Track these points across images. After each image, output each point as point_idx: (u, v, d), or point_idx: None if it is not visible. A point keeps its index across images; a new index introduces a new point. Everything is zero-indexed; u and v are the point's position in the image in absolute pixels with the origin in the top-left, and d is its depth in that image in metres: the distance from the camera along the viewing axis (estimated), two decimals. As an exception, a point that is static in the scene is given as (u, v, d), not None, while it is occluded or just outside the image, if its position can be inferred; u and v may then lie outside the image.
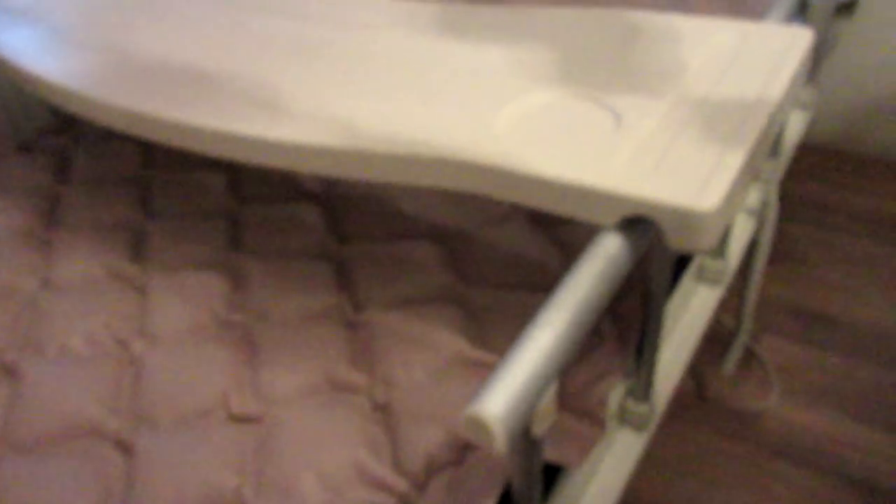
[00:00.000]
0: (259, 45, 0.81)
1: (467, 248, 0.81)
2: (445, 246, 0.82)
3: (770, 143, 0.60)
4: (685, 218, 0.49)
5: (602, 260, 0.51)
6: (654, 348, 0.70)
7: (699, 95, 0.61)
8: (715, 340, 1.40)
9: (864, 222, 1.65)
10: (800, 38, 0.67)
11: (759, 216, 1.04)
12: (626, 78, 0.64)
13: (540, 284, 0.76)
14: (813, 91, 1.26)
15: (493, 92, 0.64)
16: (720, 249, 0.92)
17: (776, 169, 1.08)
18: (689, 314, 0.90)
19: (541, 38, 0.72)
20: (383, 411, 0.66)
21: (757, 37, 0.68)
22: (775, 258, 1.57)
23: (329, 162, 0.61)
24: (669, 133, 0.56)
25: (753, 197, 1.04)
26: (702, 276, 0.93)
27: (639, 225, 0.52)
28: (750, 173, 0.57)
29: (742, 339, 1.33)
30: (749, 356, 1.38)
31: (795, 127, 1.21)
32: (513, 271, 0.78)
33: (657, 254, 0.57)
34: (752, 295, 1.11)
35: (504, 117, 0.61)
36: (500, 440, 0.41)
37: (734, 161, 0.52)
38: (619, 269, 0.51)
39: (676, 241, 0.51)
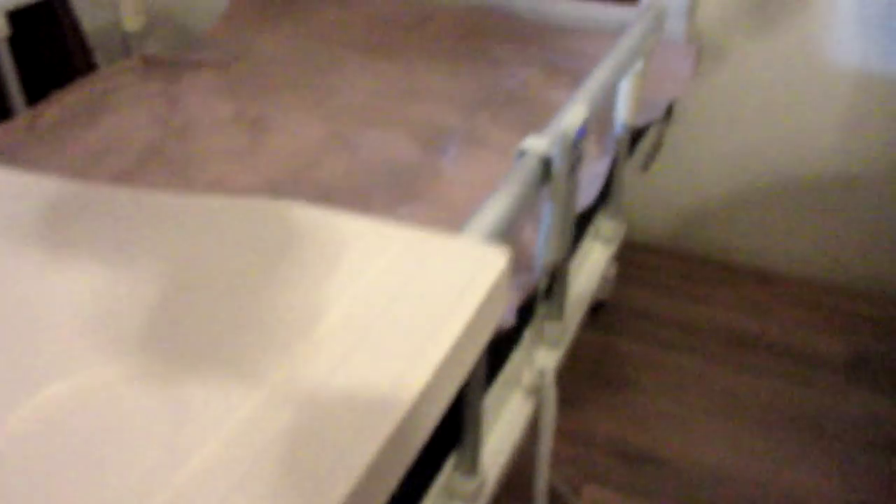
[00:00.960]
0: None
1: None
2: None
3: (417, 442, 0.42)
4: None
5: None
6: None
7: (315, 379, 0.42)
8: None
9: (698, 336, 1.54)
10: (490, 265, 0.50)
11: (537, 397, 0.87)
12: (234, 339, 0.45)
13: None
14: (616, 223, 1.12)
15: (28, 370, 0.43)
16: (470, 461, 0.73)
17: (561, 335, 0.92)
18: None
19: (159, 253, 0.52)
20: None
21: (435, 261, 0.50)
22: (602, 383, 1.43)
23: None
24: (239, 464, 0.37)
25: (528, 374, 0.87)
26: (452, 496, 0.75)
27: None
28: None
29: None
30: (567, 515, 1.21)
31: (593, 270, 1.06)
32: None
33: None
34: (541, 494, 0.93)
35: (14, 422, 0.40)
36: None
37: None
38: None
39: None
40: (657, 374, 1.45)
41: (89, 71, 1.35)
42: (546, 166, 0.69)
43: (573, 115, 0.68)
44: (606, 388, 1.42)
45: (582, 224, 1.03)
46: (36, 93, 1.28)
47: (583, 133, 0.68)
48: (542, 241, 0.74)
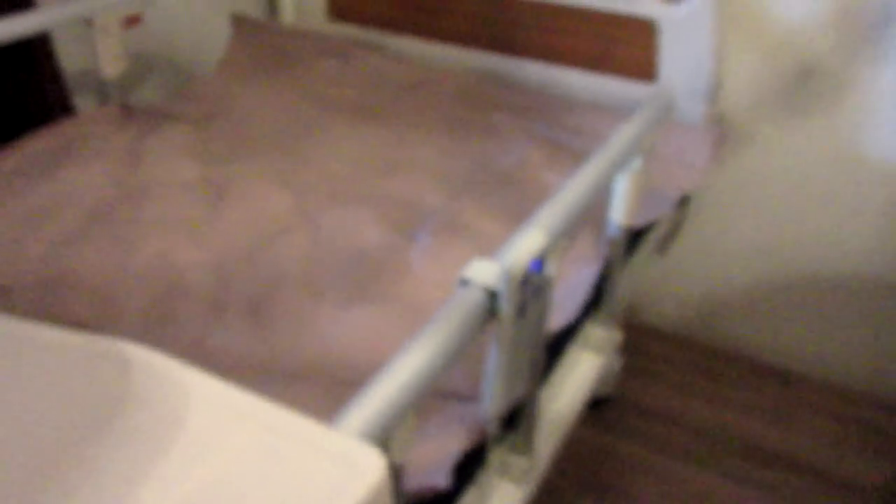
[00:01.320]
0: None
1: None
2: None
3: None
4: None
5: None
6: None
7: None
8: None
9: (708, 443, 1.38)
10: (360, 475, 0.37)
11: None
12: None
13: None
14: (607, 332, 0.98)
15: None
16: None
17: (528, 472, 0.78)
18: None
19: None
20: None
21: (291, 458, 0.38)
22: (594, 489, 1.28)
23: None
24: None
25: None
26: None
27: None
28: None
29: None
30: None
31: (579, 383, 0.92)
32: None
33: None
34: None
35: None
36: None
37: None
38: None
39: None
40: (658, 484, 1.30)
41: (65, 115, 1.28)
42: (493, 299, 0.57)
43: (526, 244, 0.56)
44: (599, 496, 1.27)
45: (568, 333, 0.91)
46: (8, 136, 1.20)
47: (538, 266, 0.56)
48: (486, 389, 0.61)
